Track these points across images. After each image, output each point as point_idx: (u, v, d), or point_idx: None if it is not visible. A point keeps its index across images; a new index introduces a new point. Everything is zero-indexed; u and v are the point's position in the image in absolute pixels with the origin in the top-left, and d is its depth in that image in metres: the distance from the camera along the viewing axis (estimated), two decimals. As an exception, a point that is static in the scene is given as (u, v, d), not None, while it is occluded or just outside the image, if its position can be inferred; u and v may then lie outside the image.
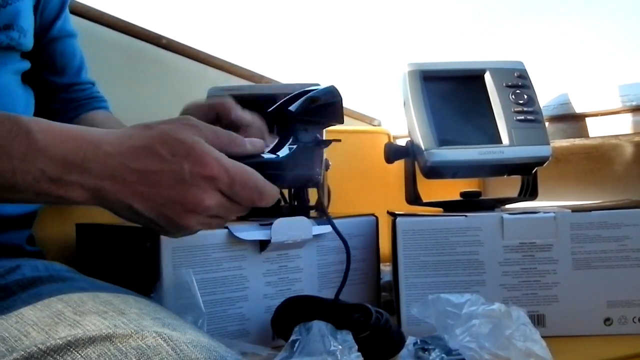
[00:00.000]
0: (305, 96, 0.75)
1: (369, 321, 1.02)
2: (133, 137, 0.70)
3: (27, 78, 1.05)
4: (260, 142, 0.78)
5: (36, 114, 1.09)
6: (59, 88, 1.13)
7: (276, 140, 0.79)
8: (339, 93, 0.78)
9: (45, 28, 1.08)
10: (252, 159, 0.75)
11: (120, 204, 0.69)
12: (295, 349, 0.95)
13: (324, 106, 0.76)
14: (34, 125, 0.66)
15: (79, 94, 1.16)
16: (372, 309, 1.04)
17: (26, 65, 1.02)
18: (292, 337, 0.97)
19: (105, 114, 1.18)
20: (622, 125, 1.38)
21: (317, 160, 0.78)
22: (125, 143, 0.69)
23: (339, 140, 0.82)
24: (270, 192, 0.74)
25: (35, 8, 1.05)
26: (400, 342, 1.03)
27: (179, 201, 0.69)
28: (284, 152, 0.76)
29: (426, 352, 1.00)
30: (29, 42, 0.99)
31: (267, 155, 0.77)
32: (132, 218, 0.72)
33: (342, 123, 0.80)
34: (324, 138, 0.82)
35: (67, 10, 1.14)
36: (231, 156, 0.73)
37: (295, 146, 0.75)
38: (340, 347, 0.93)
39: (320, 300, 1.09)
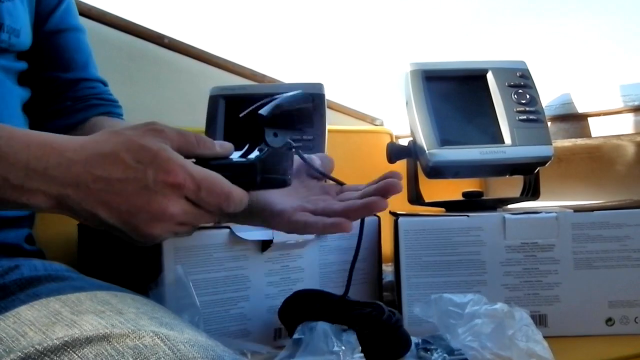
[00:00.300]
0: (275, 101, 0.75)
1: (381, 317, 1.01)
2: (98, 143, 0.69)
3: (29, 79, 1.04)
4: (229, 145, 0.77)
5: (46, 115, 1.08)
6: (66, 84, 1.11)
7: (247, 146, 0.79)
8: (309, 99, 0.78)
9: (41, 20, 1.06)
10: (220, 161, 0.75)
11: (84, 212, 0.68)
12: (298, 348, 0.95)
13: (294, 111, 0.76)
14: None
15: (89, 91, 1.13)
16: (385, 307, 1.04)
17: (22, 65, 1.01)
18: (295, 336, 0.97)
19: (123, 123, 1.14)
20: (624, 125, 1.38)
21: (287, 164, 0.78)
22: (90, 149, 0.68)
23: (310, 139, 0.82)
24: (238, 196, 0.73)
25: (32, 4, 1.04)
26: (407, 344, 1.03)
27: (144, 209, 0.68)
28: (253, 155, 0.76)
29: (428, 352, 1.00)
30: (23, 41, 0.98)
31: (235, 159, 0.77)
32: (97, 225, 0.71)
33: (312, 128, 0.80)
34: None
35: (68, 4, 1.12)
36: (200, 159, 0.73)
37: (264, 150, 0.76)
38: (343, 347, 0.93)
39: (329, 295, 1.08)
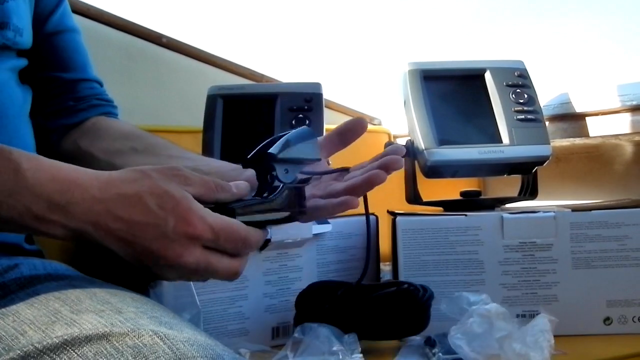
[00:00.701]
0: (282, 138, 0.76)
1: (417, 294, 1.06)
2: (123, 183, 0.70)
3: (29, 77, 1.04)
4: (244, 185, 0.79)
5: (46, 115, 1.08)
6: (66, 84, 1.11)
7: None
8: (314, 133, 0.79)
9: (40, 21, 1.07)
10: (238, 204, 0.76)
11: (100, 245, 0.70)
12: (297, 348, 0.95)
13: (302, 146, 0.77)
14: (25, 161, 0.67)
15: (89, 91, 1.14)
16: (417, 284, 1.08)
17: (23, 62, 1.01)
18: (295, 336, 0.97)
19: (126, 127, 1.14)
20: (623, 124, 1.38)
21: (301, 197, 0.80)
22: (114, 189, 0.69)
23: (320, 176, 0.84)
24: (254, 238, 0.75)
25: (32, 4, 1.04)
26: (428, 321, 1.08)
27: (160, 254, 0.70)
28: (272, 194, 0.78)
29: (433, 349, 1.02)
30: (25, 40, 0.98)
31: (253, 199, 0.78)
32: (112, 255, 0.73)
33: (320, 161, 0.82)
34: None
35: (65, 6, 1.13)
36: (219, 202, 0.75)
37: (280, 187, 0.77)
38: (343, 348, 0.93)
39: (344, 283, 1.11)
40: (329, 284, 1.12)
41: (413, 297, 1.06)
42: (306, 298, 1.09)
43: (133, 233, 0.69)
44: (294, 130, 0.79)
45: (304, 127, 0.81)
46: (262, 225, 0.77)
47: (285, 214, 0.78)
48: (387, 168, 0.81)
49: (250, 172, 0.88)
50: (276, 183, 0.78)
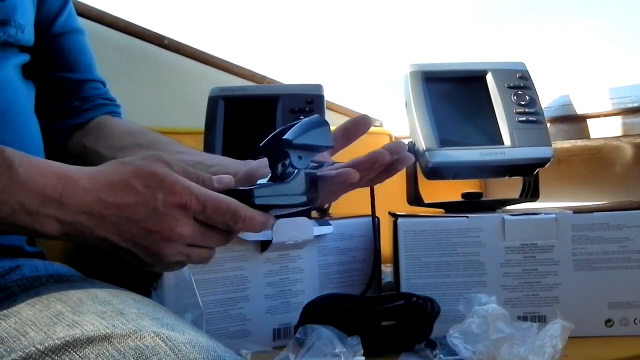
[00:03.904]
0: (295, 125, 0.77)
1: (427, 308, 1.06)
2: (109, 173, 0.73)
3: (34, 77, 1.04)
4: (228, 179, 0.80)
5: (52, 116, 1.09)
6: (72, 85, 1.12)
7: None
8: (325, 121, 0.80)
9: (47, 23, 1.07)
10: (255, 186, 0.77)
11: (96, 238, 0.72)
12: (299, 349, 0.95)
13: (315, 133, 0.78)
14: (17, 158, 0.68)
15: (94, 91, 1.15)
16: (422, 296, 1.09)
17: (25, 58, 1.01)
18: (297, 337, 0.97)
19: (130, 126, 1.14)
20: (624, 126, 1.38)
21: (315, 182, 0.81)
22: (102, 179, 0.72)
23: (332, 163, 0.84)
24: (247, 214, 0.75)
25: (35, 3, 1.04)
26: (430, 332, 1.07)
27: (154, 230, 0.72)
28: (287, 178, 0.79)
29: (434, 350, 1.01)
30: (27, 37, 0.98)
31: (268, 183, 0.79)
32: (108, 250, 0.74)
33: (333, 147, 0.82)
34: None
35: (71, 7, 1.13)
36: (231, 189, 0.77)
37: (294, 173, 0.78)
38: (345, 350, 0.93)
39: (349, 295, 1.11)
40: (334, 296, 1.12)
41: (421, 311, 1.06)
42: (311, 312, 1.08)
43: (126, 216, 0.71)
44: (306, 119, 0.79)
45: (316, 115, 0.81)
46: (276, 208, 0.79)
47: (302, 198, 0.79)
48: (394, 151, 0.81)
49: (253, 164, 0.88)
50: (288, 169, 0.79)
